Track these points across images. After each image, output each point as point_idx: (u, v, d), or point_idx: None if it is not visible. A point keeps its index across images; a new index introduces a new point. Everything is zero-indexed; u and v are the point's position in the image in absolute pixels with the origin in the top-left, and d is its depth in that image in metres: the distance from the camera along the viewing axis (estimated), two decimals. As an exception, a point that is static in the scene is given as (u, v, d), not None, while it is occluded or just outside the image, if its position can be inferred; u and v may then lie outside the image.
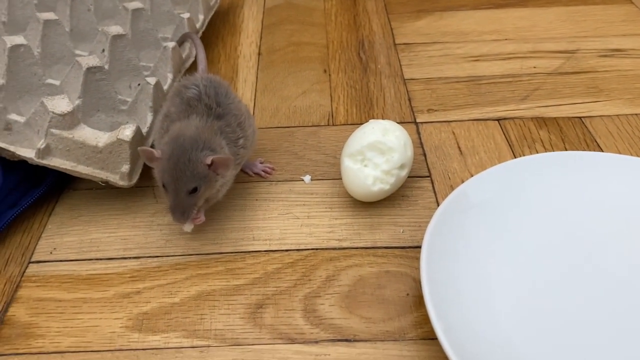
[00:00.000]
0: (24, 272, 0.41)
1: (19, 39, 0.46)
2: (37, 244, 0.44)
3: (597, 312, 0.37)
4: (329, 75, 0.62)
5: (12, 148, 0.43)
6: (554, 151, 0.50)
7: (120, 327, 0.38)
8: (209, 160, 0.38)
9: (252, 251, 0.43)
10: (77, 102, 0.46)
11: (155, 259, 0.42)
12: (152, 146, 0.45)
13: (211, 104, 0.41)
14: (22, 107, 0.47)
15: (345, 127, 0.54)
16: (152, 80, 0.47)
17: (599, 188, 0.43)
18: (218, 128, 0.40)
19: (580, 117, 0.54)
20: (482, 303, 0.37)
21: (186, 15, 0.58)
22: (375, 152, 0.43)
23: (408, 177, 0.46)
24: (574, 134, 0.52)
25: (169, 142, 0.39)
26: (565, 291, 0.38)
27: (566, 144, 0.51)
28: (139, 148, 0.39)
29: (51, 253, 0.43)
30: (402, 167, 0.44)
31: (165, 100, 0.45)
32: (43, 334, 0.37)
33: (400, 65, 0.63)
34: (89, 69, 0.45)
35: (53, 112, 0.42)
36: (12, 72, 0.46)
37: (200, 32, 0.63)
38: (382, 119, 0.54)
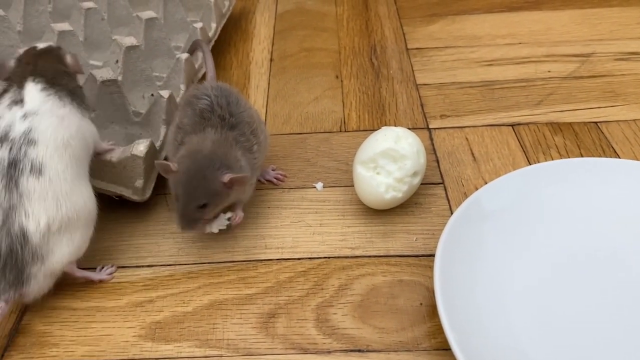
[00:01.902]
0: (39, 280, 0.42)
1: None
2: (51, 252, 0.44)
3: (616, 322, 0.36)
4: (341, 81, 0.62)
5: None
6: (569, 157, 0.50)
7: (134, 336, 0.38)
8: (226, 179, 0.38)
9: (264, 260, 0.42)
10: (92, 114, 0.46)
11: (168, 268, 0.42)
12: (166, 158, 0.45)
13: (224, 114, 0.41)
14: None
15: (357, 134, 0.54)
16: (165, 94, 0.47)
17: (615, 195, 0.43)
18: (233, 139, 0.41)
19: (596, 122, 0.54)
20: (497, 313, 0.36)
21: (199, 25, 0.58)
22: (388, 160, 0.43)
23: (421, 184, 0.46)
24: (589, 140, 0.52)
25: (186, 155, 0.39)
26: (582, 300, 0.38)
27: (582, 150, 0.51)
28: (156, 162, 0.39)
29: (65, 261, 0.43)
30: (414, 174, 0.43)
31: (176, 110, 0.45)
32: (57, 342, 0.38)
33: (413, 71, 0.62)
34: (103, 82, 0.46)
35: None
36: None
37: (213, 40, 0.63)
38: (395, 125, 0.54)
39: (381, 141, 0.43)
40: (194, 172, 0.38)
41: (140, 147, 0.43)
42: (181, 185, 0.39)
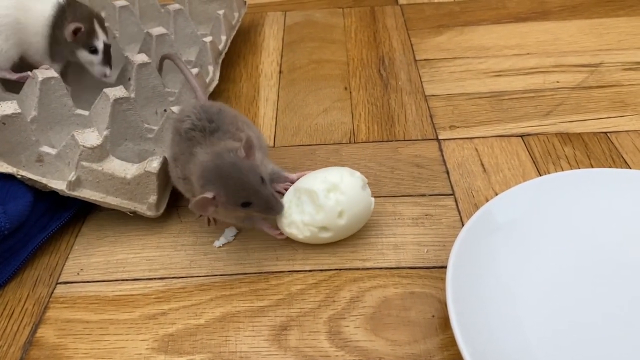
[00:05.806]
0: (52, 293, 0.42)
1: (49, 72, 0.48)
2: (64, 264, 0.44)
3: (632, 333, 0.36)
4: (350, 92, 0.62)
5: (44, 180, 0.44)
6: (579, 168, 0.50)
7: (147, 348, 0.38)
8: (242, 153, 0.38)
9: (276, 272, 0.43)
10: (106, 132, 0.47)
11: (180, 280, 0.42)
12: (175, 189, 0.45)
13: (204, 125, 0.40)
14: (52, 138, 0.48)
15: (367, 145, 0.54)
16: (176, 110, 0.48)
17: (627, 206, 0.43)
18: (217, 139, 0.40)
19: (605, 133, 0.54)
20: (510, 324, 0.36)
21: (209, 39, 0.59)
22: (309, 200, 0.41)
23: (431, 195, 0.46)
24: (599, 150, 0.52)
25: (214, 171, 0.38)
26: (596, 313, 0.37)
27: (592, 160, 0.51)
28: (190, 206, 0.38)
29: (78, 274, 0.43)
30: (324, 229, 0.41)
31: (170, 142, 0.43)
32: (71, 355, 0.38)
33: (421, 82, 0.63)
34: (116, 100, 0.46)
35: (83, 146, 0.42)
36: (43, 104, 0.48)
37: (223, 54, 0.63)
38: (404, 136, 0.55)
39: (317, 179, 0.41)
40: (240, 168, 0.38)
41: (154, 164, 0.43)
42: (246, 187, 0.38)
